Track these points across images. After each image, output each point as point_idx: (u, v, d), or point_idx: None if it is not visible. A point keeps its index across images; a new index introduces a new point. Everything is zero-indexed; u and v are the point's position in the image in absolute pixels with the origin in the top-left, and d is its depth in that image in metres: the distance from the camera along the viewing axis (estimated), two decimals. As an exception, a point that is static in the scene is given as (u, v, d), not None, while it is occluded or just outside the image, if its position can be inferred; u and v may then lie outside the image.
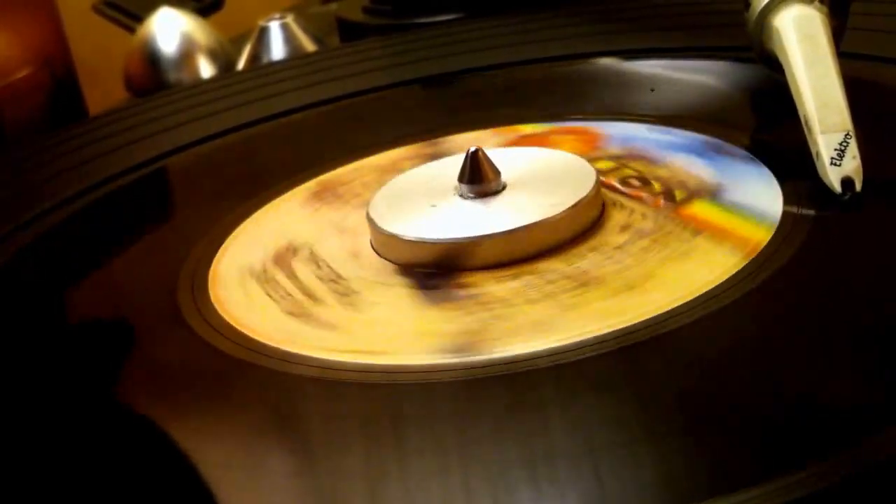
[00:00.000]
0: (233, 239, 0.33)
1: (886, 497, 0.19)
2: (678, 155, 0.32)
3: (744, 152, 0.32)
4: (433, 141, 0.37)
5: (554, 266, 0.28)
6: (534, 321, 0.25)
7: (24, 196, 0.39)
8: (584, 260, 0.28)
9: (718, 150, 0.32)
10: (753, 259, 0.26)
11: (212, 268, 0.31)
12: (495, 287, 0.27)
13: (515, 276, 0.27)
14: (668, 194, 0.30)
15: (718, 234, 0.27)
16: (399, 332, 0.26)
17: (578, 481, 0.20)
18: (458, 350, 0.25)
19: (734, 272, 0.26)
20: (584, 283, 0.27)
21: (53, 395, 0.27)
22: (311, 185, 0.36)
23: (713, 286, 0.25)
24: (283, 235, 0.33)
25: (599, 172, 0.31)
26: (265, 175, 0.37)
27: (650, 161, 0.32)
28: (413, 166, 0.34)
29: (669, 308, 0.25)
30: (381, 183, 0.33)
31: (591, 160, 0.32)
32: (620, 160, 0.33)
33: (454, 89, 0.44)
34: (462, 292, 0.27)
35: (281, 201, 0.35)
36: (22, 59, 0.49)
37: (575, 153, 0.32)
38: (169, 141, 0.42)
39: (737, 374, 0.23)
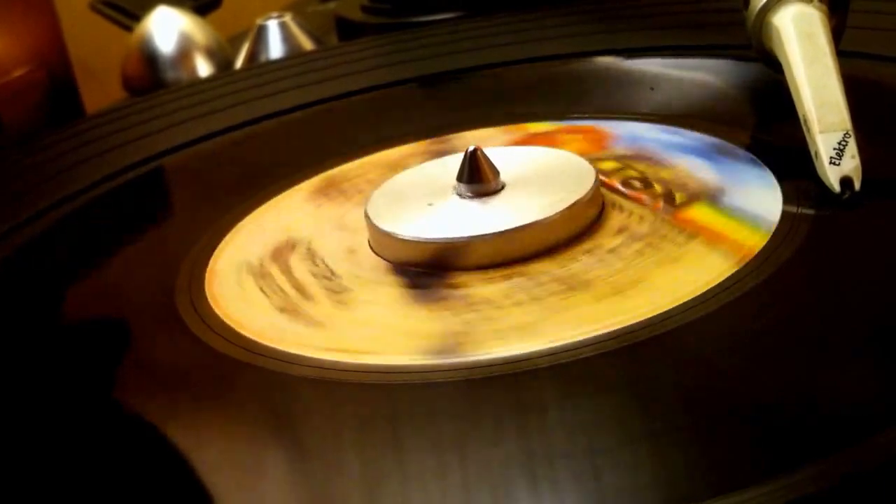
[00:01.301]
0: (233, 235, 0.33)
1: (887, 497, 0.19)
2: (683, 156, 0.32)
3: (749, 155, 0.31)
4: (442, 138, 0.37)
5: (545, 268, 0.27)
6: (518, 324, 0.25)
7: (21, 195, 0.39)
8: (576, 262, 0.27)
9: (724, 153, 0.32)
10: (745, 266, 0.26)
11: (210, 264, 0.31)
12: (485, 288, 0.27)
13: (507, 277, 0.27)
14: (669, 197, 0.30)
15: (713, 239, 0.27)
16: (384, 332, 0.26)
17: (577, 482, 0.20)
18: (441, 351, 0.25)
19: (722, 279, 0.25)
20: (572, 286, 0.26)
21: (50, 394, 0.27)
22: (316, 181, 0.36)
23: (697, 294, 0.25)
24: (283, 231, 0.33)
25: (603, 172, 0.31)
26: (265, 173, 0.37)
27: (655, 162, 0.32)
28: (420, 163, 0.34)
29: (651, 315, 0.25)
30: (385, 180, 0.33)
31: (596, 160, 0.32)
32: (625, 160, 0.33)
33: (464, 86, 0.44)
34: (452, 292, 0.27)
35: (283, 197, 0.35)
36: (19, 58, 0.49)
37: (581, 152, 0.32)
38: (166, 140, 0.42)
39: (736, 375, 0.23)
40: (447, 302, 0.27)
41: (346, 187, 0.35)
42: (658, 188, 0.31)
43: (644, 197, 0.30)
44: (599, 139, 0.35)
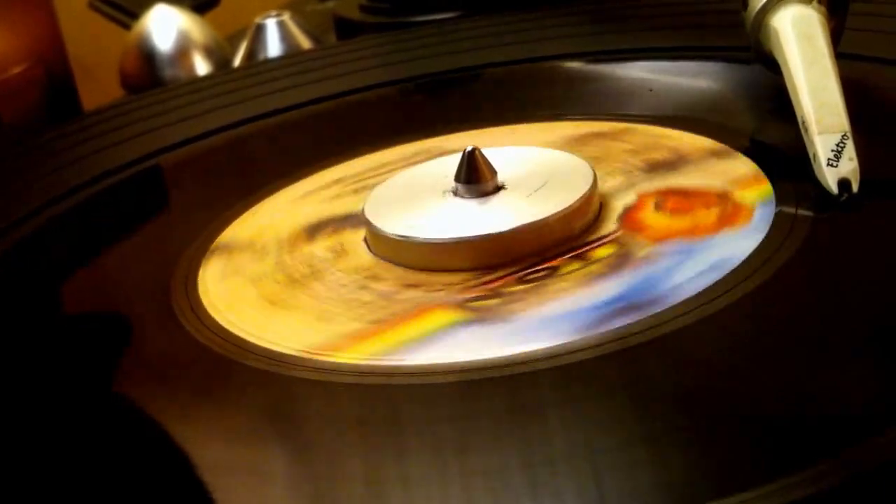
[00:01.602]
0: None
1: (887, 497, 0.19)
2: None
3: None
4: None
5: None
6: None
7: (18, 192, 0.39)
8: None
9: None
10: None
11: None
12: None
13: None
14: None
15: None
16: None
17: (577, 484, 0.20)
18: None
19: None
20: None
21: (45, 391, 0.27)
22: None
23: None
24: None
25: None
26: (262, 172, 0.37)
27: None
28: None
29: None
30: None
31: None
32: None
33: (463, 86, 0.44)
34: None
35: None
36: (17, 55, 0.49)
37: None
38: (164, 138, 0.42)
39: (735, 377, 0.23)
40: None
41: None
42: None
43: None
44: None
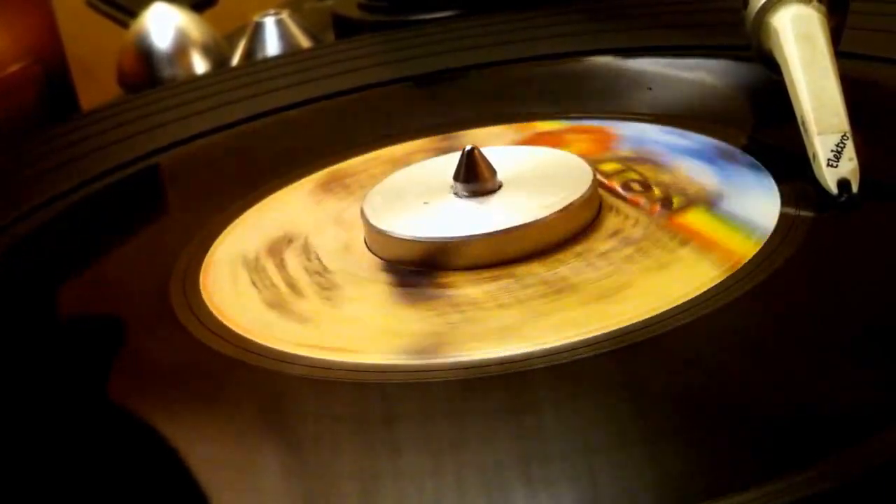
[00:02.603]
0: (231, 230, 0.33)
1: (887, 498, 0.19)
2: (686, 159, 0.32)
3: (750, 158, 0.31)
4: (448, 135, 0.37)
5: (534, 270, 0.27)
6: (500, 327, 0.25)
7: (16, 191, 0.39)
8: (565, 265, 0.27)
9: (727, 156, 0.32)
10: (741, 268, 0.26)
11: (207, 258, 0.31)
12: (472, 289, 0.27)
13: (495, 279, 0.27)
14: (666, 201, 0.30)
15: (705, 246, 0.27)
16: (365, 330, 0.26)
17: (573, 483, 0.20)
18: (420, 352, 0.25)
19: (707, 288, 0.25)
20: (559, 289, 0.26)
21: (43, 391, 0.26)
22: (318, 176, 0.36)
23: (681, 302, 0.25)
24: (282, 226, 0.33)
25: (605, 174, 0.31)
26: (262, 171, 0.37)
27: (657, 165, 0.32)
28: (425, 159, 0.34)
29: (631, 323, 0.24)
30: (391, 175, 0.33)
31: (600, 161, 0.32)
32: (628, 163, 0.32)
33: (463, 84, 0.44)
34: (438, 292, 0.27)
35: (284, 193, 0.35)
36: (14, 54, 0.49)
37: (586, 153, 0.32)
38: (162, 137, 0.42)
39: (734, 376, 0.23)
40: (432, 302, 0.27)
41: (349, 183, 0.35)
42: (657, 192, 0.30)
43: (641, 200, 0.30)
44: (605, 140, 0.35)
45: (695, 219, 0.29)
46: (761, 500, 0.19)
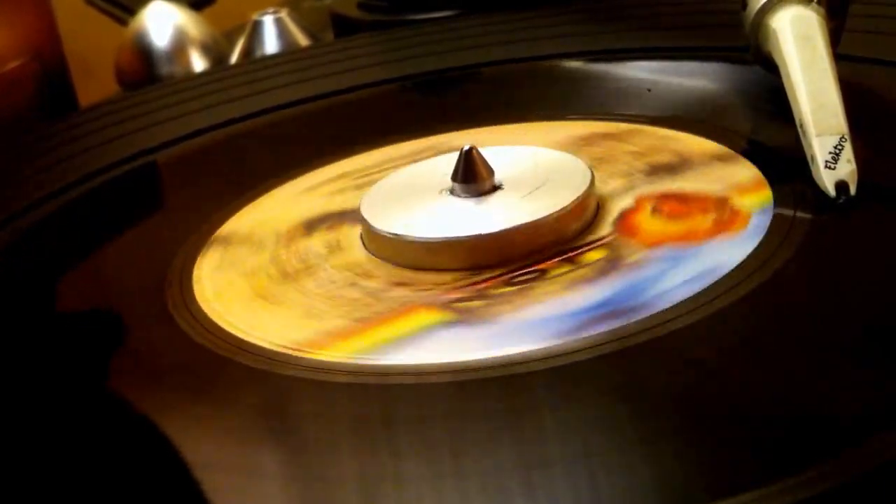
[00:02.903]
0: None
1: (886, 499, 0.19)
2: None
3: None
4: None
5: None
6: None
7: (13, 188, 0.39)
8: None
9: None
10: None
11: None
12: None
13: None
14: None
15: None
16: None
17: (571, 486, 0.20)
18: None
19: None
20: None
21: (40, 388, 0.26)
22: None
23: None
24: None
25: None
26: (259, 169, 0.37)
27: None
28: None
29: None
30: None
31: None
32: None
33: (463, 84, 0.44)
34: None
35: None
36: (12, 51, 0.49)
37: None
38: (160, 134, 0.42)
39: (733, 378, 0.23)
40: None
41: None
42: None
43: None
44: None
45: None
46: (761, 502, 0.19)
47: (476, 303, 0.26)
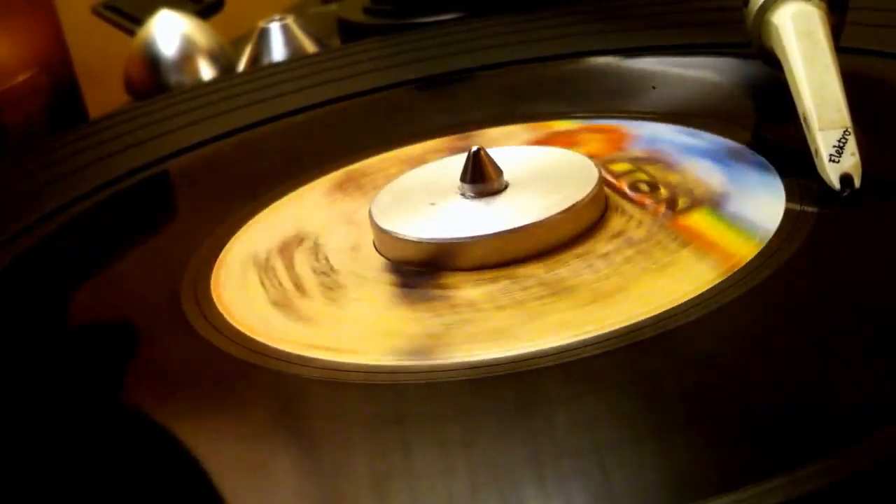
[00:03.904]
0: (244, 230, 0.34)
1: (887, 496, 0.19)
2: (695, 160, 0.32)
3: (760, 158, 0.31)
4: (463, 135, 0.38)
5: (534, 271, 0.28)
6: (494, 328, 0.26)
7: (26, 200, 0.39)
8: (565, 267, 0.28)
9: (736, 156, 0.32)
10: (739, 269, 0.26)
11: (219, 257, 0.32)
12: (471, 290, 0.27)
13: (494, 280, 0.27)
14: (672, 202, 0.30)
15: (705, 248, 0.27)
16: (363, 331, 0.27)
17: (584, 480, 0.20)
18: (415, 353, 0.25)
19: (703, 290, 0.25)
20: (555, 291, 0.27)
21: (57, 397, 0.27)
22: (334, 176, 0.36)
23: (675, 304, 0.25)
24: (294, 226, 0.33)
25: (614, 174, 0.31)
26: (271, 175, 0.37)
27: (666, 165, 0.32)
28: (439, 159, 0.34)
29: (621, 326, 0.25)
30: (398, 177, 0.33)
31: (610, 161, 0.32)
32: (638, 163, 0.32)
33: (469, 86, 0.44)
34: (438, 293, 0.27)
35: (299, 193, 0.36)
36: (21, 63, 0.49)
37: (598, 153, 0.32)
38: (170, 144, 0.42)
39: (742, 372, 0.23)
40: (431, 303, 0.27)
41: (364, 183, 0.35)
42: (663, 192, 0.30)
43: (647, 201, 0.30)
44: (618, 140, 0.35)
45: (698, 220, 0.29)
46: (766, 495, 0.19)
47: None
